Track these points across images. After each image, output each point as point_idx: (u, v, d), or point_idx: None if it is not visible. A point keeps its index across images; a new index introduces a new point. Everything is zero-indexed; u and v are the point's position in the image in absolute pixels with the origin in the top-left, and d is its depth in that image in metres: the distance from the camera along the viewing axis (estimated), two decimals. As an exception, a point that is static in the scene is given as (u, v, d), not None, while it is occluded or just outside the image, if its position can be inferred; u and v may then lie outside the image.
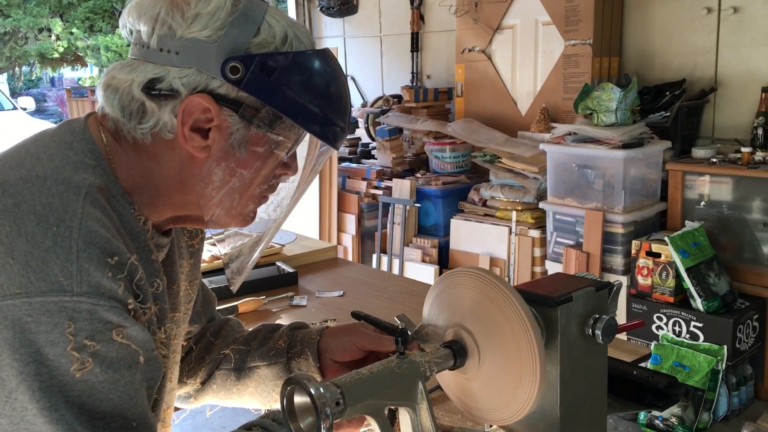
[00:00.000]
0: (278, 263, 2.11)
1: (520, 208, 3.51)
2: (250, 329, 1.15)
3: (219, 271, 2.00)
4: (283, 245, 2.27)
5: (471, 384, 0.89)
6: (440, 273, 3.09)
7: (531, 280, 3.27)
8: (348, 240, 4.22)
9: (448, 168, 4.05)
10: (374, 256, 4.08)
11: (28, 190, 0.73)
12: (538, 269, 3.46)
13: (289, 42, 0.80)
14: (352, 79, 5.24)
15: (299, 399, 0.77)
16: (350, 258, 4.15)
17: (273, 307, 1.84)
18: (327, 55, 0.83)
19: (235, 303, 1.78)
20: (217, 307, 1.58)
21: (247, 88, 0.78)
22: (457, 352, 0.87)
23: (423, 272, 3.77)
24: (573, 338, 0.86)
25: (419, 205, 3.92)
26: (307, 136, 0.85)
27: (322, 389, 0.75)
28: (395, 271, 3.84)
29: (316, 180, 4.16)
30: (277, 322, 1.17)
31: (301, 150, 0.88)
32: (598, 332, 0.86)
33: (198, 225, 0.91)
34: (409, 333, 0.91)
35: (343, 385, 0.77)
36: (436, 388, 1.13)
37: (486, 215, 3.67)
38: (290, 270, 2.04)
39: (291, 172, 0.88)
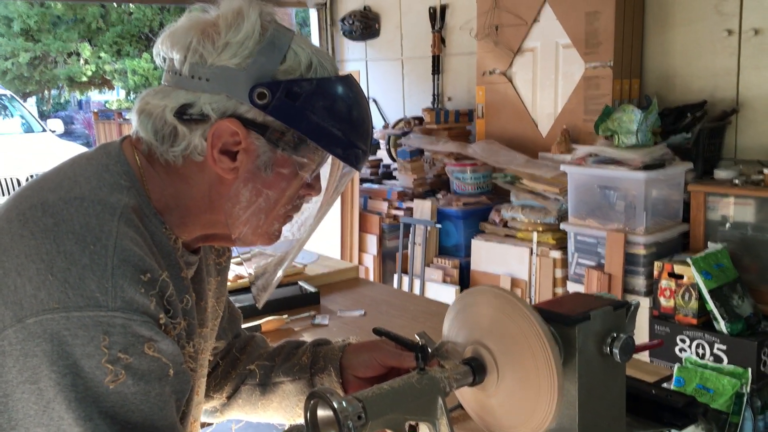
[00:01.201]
0: (300, 283, 2.13)
1: (541, 228, 3.51)
2: (275, 345, 1.17)
3: (243, 290, 2.02)
4: (306, 265, 2.29)
5: (490, 401, 0.90)
6: (461, 293, 3.09)
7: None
8: (369, 260, 4.23)
9: (468, 189, 4.06)
10: (395, 277, 4.08)
11: (66, 210, 0.76)
12: (559, 290, 3.44)
13: (314, 69, 0.83)
14: (374, 101, 5.29)
15: (322, 413, 0.79)
16: (371, 278, 4.16)
17: (295, 326, 1.86)
18: (350, 81, 0.86)
19: (259, 322, 1.80)
20: (243, 325, 1.60)
21: (273, 113, 0.81)
22: (476, 369, 0.88)
23: (444, 292, 3.77)
24: (591, 357, 0.87)
25: (440, 225, 3.93)
26: (330, 158, 0.88)
27: (344, 403, 0.76)
28: (416, 291, 3.84)
29: (338, 201, 4.18)
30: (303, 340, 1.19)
31: (325, 171, 0.91)
32: (615, 351, 0.87)
33: (226, 243, 0.94)
34: (430, 350, 0.92)
35: (365, 400, 0.78)
36: (457, 406, 1.14)
37: (507, 236, 3.66)
38: (312, 289, 2.06)
39: (315, 193, 0.90)
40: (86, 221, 0.75)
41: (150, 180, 0.85)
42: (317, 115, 0.81)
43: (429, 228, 3.88)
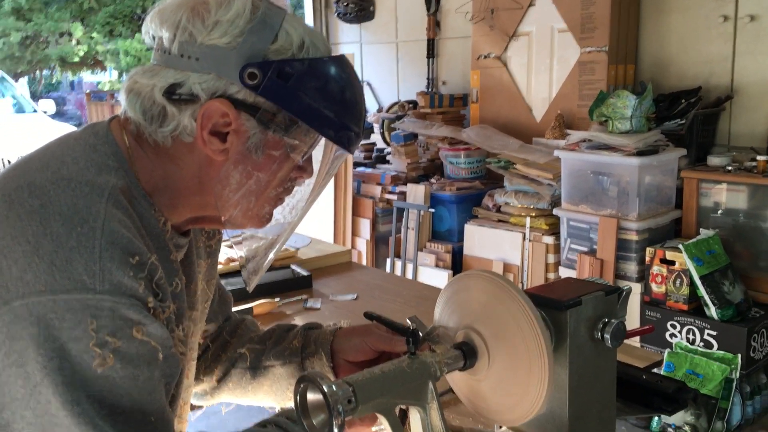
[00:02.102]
0: (293, 266, 2.13)
1: (534, 214, 3.51)
2: (266, 329, 1.17)
3: (234, 273, 2.02)
4: (298, 249, 2.29)
5: (481, 385, 0.90)
6: (453, 278, 3.10)
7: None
8: (362, 244, 4.24)
9: (462, 174, 4.06)
10: (388, 261, 4.09)
11: (53, 191, 0.75)
12: (551, 275, 3.45)
13: (306, 49, 0.82)
14: (368, 84, 5.26)
15: (312, 396, 0.79)
16: (364, 262, 4.16)
17: (287, 309, 1.85)
18: (343, 62, 0.85)
19: (250, 305, 1.80)
20: (235, 308, 1.60)
21: (264, 94, 0.80)
22: (467, 354, 0.88)
23: (437, 277, 3.77)
24: (582, 342, 0.87)
25: (433, 210, 3.93)
26: (323, 140, 0.87)
27: (334, 387, 0.76)
28: (409, 275, 3.85)
29: (331, 184, 4.18)
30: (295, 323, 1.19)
31: (317, 154, 0.90)
32: (607, 336, 0.87)
33: (216, 226, 0.93)
34: (421, 334, 0.92)
35: (355, 384, 0.78)
36: (448, 390, 1.14)
37: (500, 221, 3.66)
38: (305, 273, 2.06)
39: (306, 176, 0.89)
40: (73, 202, 0.74)
41: (139, 161, 0.84)
42: (309, 96, 0.80)
43: (422, 212, 3.88)
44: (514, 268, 3.56)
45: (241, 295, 1.78)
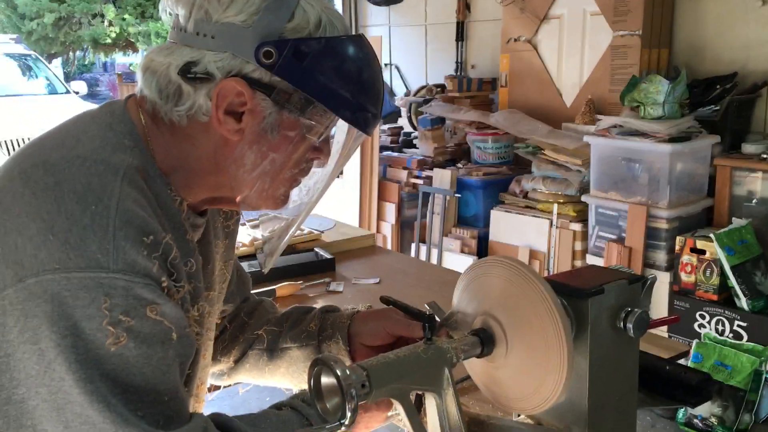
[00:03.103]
0: (317, 249, 2.13)
1: (561, 200, 3.48)
2: (283, 311, 1.17)
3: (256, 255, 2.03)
4: (322, 232, 2.30)
5: (498, 372, 0.89)
6: (478, 264, 3.09)
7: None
8: (387, 228, 4.23)
9: (489, 159, 4.03)
10: (413, 246, 4.08)
11: (68, 169, 0.75)
12: (578, 263, 3.42)
13: (323, 27, 0.80)
14: (396, 68, 5.23)
15: (326, 380, 0.79)
16: (389, 247, 4.16)
17: (310, 292, 1.86)
18: (361, 42, 0.83)
19: (273, 287, 1.81)
20: (256, 290, 1.61)
21: (280, 73, 0.79)
22: (485, 340, 0.87)
23: (462, 263, 3.76)
24: (603, 331, 0.86)
25: (459, 195, 3.91)
26: (340, 121, 0.86)
27: (348, 371, 0.76)
28: (433, 261, 3.84)
29: (357, 168, 4.18)
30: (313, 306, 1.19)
31: (335, 135, 0.89)
32: (629, 326, 0.86)
33: (231, 206, 0.93)
34: (438, 320, 0.91)
35: (369, 368, 0.77)
36: (466, 378, 1.13)
37: (527, 207, 3.64)
38: (328, 256, 2.07)
39: (323, 157, 0.88)
40: (88, 181, 0.74)
41: (154, 140, 0.84)
42: (325, 76, 0.79)
43: (448, 197, 3.86)
44: (541, 255, 3.53)
45: (264, 277, 1.78)
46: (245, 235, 2.04)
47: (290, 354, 1.10)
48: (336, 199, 4.20)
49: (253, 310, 1.18)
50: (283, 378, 1.11)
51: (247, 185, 0.85)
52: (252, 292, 1.23)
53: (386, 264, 2.14)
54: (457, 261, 3.78)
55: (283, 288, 1.83)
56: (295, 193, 0.91)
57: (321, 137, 0.85)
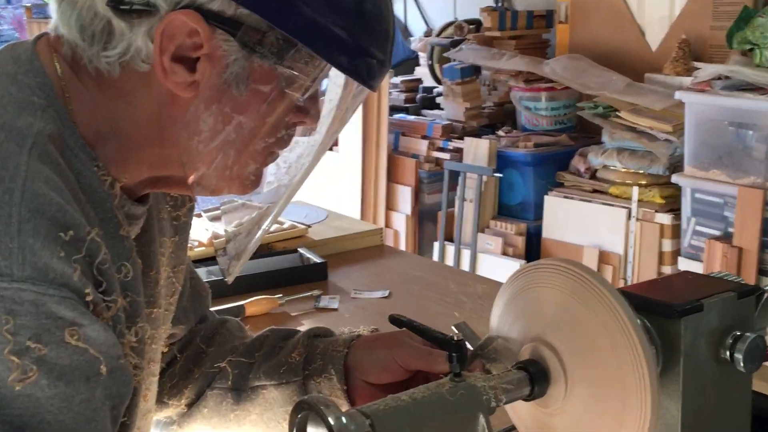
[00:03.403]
0: (301, 250, 2.13)
1: (644, 182, 3.48)
2: (255, 335, 1.18)
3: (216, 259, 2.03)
4: (309, 226, 2.30)
5: (554, 421, 0.89)
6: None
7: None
8: (400, 221, 4.25)
9: (543, 124, 4.03)
10: (436, 245, 4.10)
11: None
12: (667, 269, 3.42)
13: None
14: (413, -3, 5.25)
15: (314, 431, 0.78)
16: (402, 246, 4.17)
17: (292, 309, 1.86)
18: (361, -42, 0.83)
19: (242, 303, 1.81)
20: (217, 307, 1.60)
21: (248, 3, 0.79)
22: (536, 377, 0.87)
23: (503, 269, 3.75)
24: (702, 363, 0.87)
25: (501, 175, 3.91)
26: (332, 70, 0.85)
27: (345, 419, 0.76)
28: (464, 266, 3.85)
29: (359, 137, 4.19)
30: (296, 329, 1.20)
31: (326, 91, 0.89)
32: (738, 356, 0.87)
33: (182, 190, 0.94)
34: (470, 348, 0.92)
35: (373, 415, 0.77)
36: (512, 429, 1.14)
37: (595, 191, 3.64)
38: (318, 260, 2.07)
39: (309, 121, 0.88)
40: None
41: (76, 97, 0.84)
42: (311, 7, 0.79)
43: (485, 178, 3.86)
44: (615, 259, 3.54)
45: (228, 289, 1.79)
46: (202, 231, 2.03)
47: (265, 395, 1.10)
48: (329, 181, 4.21)
49: (214, 335, 1.18)
50: (255, 427, 1.12)
51: (204, 160, 0.85)
52: (212, 309, 1.23)
53: (399, 270, 2.14)
54: (498, 266, 3.79)
55: (255, 304, 1.83)
56: (270, 172, 0.91)
57: (306, 93, 0.85)
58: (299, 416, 0.79)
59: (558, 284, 0.87)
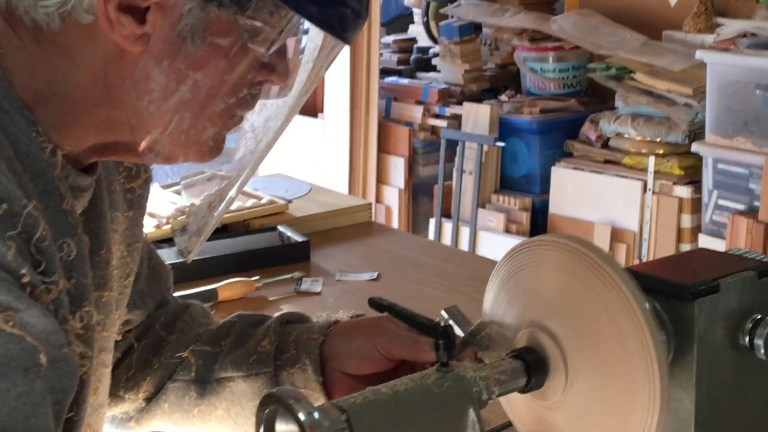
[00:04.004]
0: (281, 228, 2.14)
1: (661, 151, 3.50)
2: (222, 321, 1.18)
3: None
4: (290, 201, 2.30)
5: (553, 415, 0.89)
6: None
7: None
8: (392, 196, 4.27)
9: (550, 87, 4.05)
10: (431, 222, 4.12)
11: None
12: (686, 247, 3.44)
13: None
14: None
15: (284, 428, 0.79)
16: (394, 224, 4.20)
17: (270, 293, 1.87)
18: None
19: (213, 286, 1.81)
20: (187, 291, 1.60)
21: None
22: (533, 366, 0.87)
23: (505, 247, 3.73)
24: (718, 350, 0.87)
25: (504, 144, 3.92)
26: (301, 21, 0.85)
27: (317, 415, 0.75)
28: (463, 245, 3.87)
29: (345, 103, 4.19)
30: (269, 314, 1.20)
31: (293, 45, 0.88)
32: (759, 342, 0.87)
33: (133, 158, 0.93)
34: (461, 334, 0.92)
35: (350, 410, 0.77)
36: (508, 426, 1.14)
37: (607, 162, 3.67)
38: (299, 239, 2.07)
39: (276, 79, 0.88)
40: None
41: (11, 54, 0.83)
42: None
43: (486, 148, 3.88)
44: (629, 236, 3.56)
45: (198, 271, 1.78)
46: (167, 205, 2.04)
47: (232, 388, 1.10)
48: (313, 151, 4.20)
49: (175, 321, 1.18)
50: (222, 423, 1.12)
51: (156, 123, 0.84)
52: (181, 293, 1.23)
53: (389, 250, 2.15)
54: (500, 245, 3.79)
55: (229, 287, 1.83)
56: (231, 138, 0.90)
57: (272, 47, 0.84)
58: (266, 411, 0.79)
59: (557, 262, 0.87)
